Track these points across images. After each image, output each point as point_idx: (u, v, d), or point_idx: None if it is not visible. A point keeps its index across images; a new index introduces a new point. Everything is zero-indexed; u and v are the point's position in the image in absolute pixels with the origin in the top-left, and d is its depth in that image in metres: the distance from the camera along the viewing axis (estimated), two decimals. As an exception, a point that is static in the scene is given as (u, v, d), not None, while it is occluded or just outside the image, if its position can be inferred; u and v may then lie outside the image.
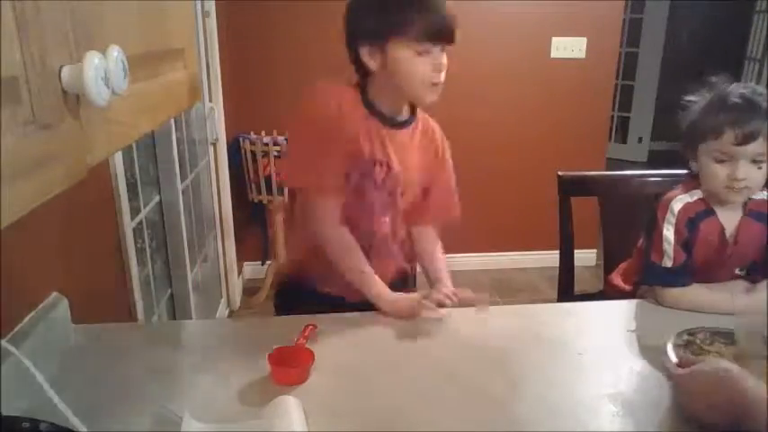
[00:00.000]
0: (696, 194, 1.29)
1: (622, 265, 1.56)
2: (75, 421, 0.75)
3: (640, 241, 1.45)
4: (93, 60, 0.43)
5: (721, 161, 1.21)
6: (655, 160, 5.54)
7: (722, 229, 1.28)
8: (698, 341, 1.05)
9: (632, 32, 5.48)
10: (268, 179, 2.94)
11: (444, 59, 1.16)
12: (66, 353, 1.05)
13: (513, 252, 3.50)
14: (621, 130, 5.90)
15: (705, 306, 1.24)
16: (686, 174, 1.34)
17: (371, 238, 1.30)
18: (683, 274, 1.28)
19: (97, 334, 1.14)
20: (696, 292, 1.27)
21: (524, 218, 3.38)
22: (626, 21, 4.82)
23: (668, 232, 1.28)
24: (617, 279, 1.53)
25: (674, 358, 0.99)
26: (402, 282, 1.39)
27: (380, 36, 1.14)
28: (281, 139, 2.95)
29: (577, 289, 1.81)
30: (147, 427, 0.86)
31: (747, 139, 1.16)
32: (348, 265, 1.24)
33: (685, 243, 1.28)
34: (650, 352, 1.07)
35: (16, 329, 0.93)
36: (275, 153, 2.90)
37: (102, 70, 0.43)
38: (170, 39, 0.69)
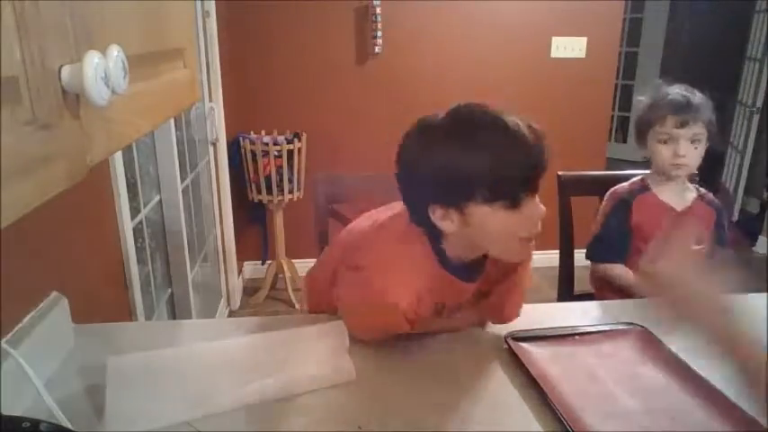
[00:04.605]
0: (634, 179, 1.62)
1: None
2: (66, 423, 0.75)
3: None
4: (93, 60, 0.42)
5: (665, 142, 1.51)
6: (655, 160, 5.54)
7: (661, 202, 1.55)
8: None
9: (632, 32, 5.49)
10: (268, 179, 2.95)
11: (542, 208, 0.95)
12: (67, 353, 1.05)
13: (513, 252, 3.50)
14: (621, 130, 5.91)
15: (629, 282, 1.43)
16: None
17: None
18: (611, 251, 1.55)
19: (97, 334, 1.14)
20: (622, 271, 1.51)
21: (524, 218, 3.38)
22: (626, 20, 4.82)
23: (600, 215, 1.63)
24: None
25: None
26: None
27: (460, 199, 0.92)
28: (280, 138, 2.95)
29: (577, 289, 1.81)
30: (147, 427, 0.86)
31: (685, 123, 1.48)
32: None
33: (614, 216, 1.57)
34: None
35: (16, 329, 0.93)
36: (275, 153, 2.90)
37: (102, 70, 0.43)
38: (170, 39, 0.69)
